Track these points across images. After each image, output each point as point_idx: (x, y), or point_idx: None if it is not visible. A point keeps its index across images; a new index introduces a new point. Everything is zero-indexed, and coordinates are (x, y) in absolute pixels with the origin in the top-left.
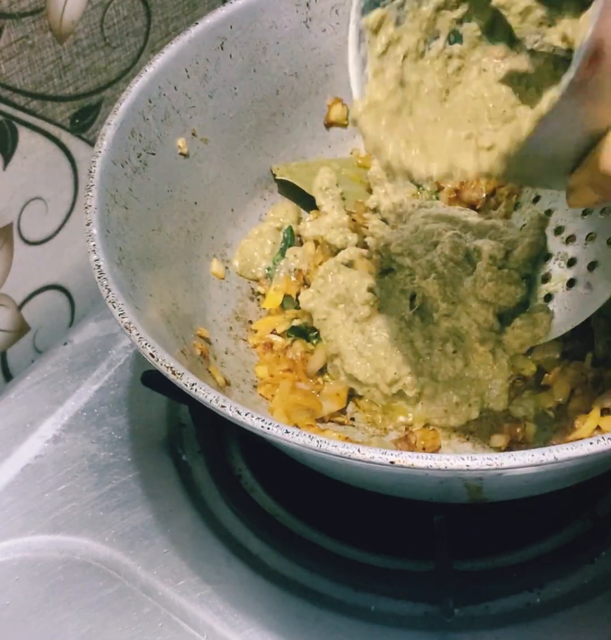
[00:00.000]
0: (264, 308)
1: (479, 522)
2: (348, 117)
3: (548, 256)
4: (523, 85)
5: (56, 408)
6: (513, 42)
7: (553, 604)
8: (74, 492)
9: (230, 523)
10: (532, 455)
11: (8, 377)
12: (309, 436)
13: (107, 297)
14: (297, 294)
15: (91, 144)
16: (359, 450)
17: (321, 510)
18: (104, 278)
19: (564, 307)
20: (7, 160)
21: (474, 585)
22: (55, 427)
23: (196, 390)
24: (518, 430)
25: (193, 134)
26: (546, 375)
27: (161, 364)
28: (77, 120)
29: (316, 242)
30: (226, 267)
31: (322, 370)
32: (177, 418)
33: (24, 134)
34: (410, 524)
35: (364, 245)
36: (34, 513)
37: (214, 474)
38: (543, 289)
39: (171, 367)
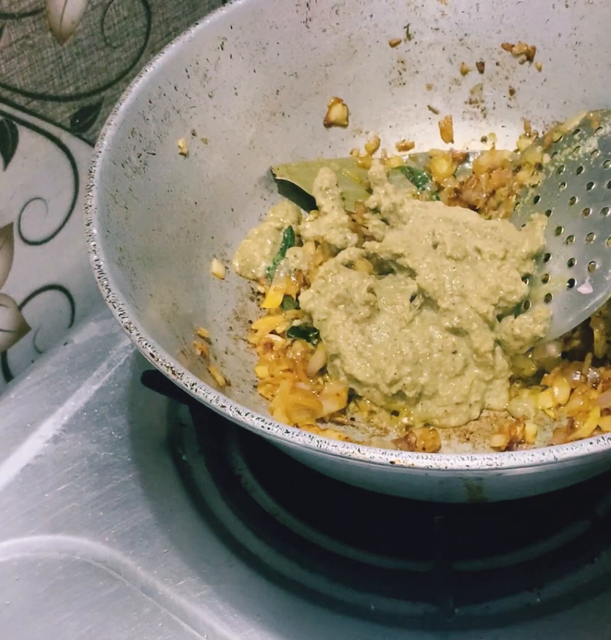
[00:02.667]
0: (264, 308)
1: (479, 522)
2: (347, 117)
3: (547, 256)
4: None
5: (56, 408)
6: None
7: (553, 604)
8: (74, 492)
9: (230, 523)
10: (532, 455)
11: (8, 376)
12: (309, 436)
13: (107, 297)
14: (298, 294)
15: (91, 144)
16: (359, 450)
17: (321, 510)
18: (104, 278)
19: (564, 308)
20: (7, 160)
21: (475, 585)
22: (55, 427)
23: (196, 390)
24: (518, 430)
25: (193, 134)
26: (546, 375)
27: (161, 364)
28: (77, 121)
29: (316, 242)
30: (226, 267)
31: (322, 370)
32: (177, 418)
33: (24, 134)
34: (410, 524)
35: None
36: (34, 513)
37: (214, 474)
38: (543, 289)
39: (171, 367)
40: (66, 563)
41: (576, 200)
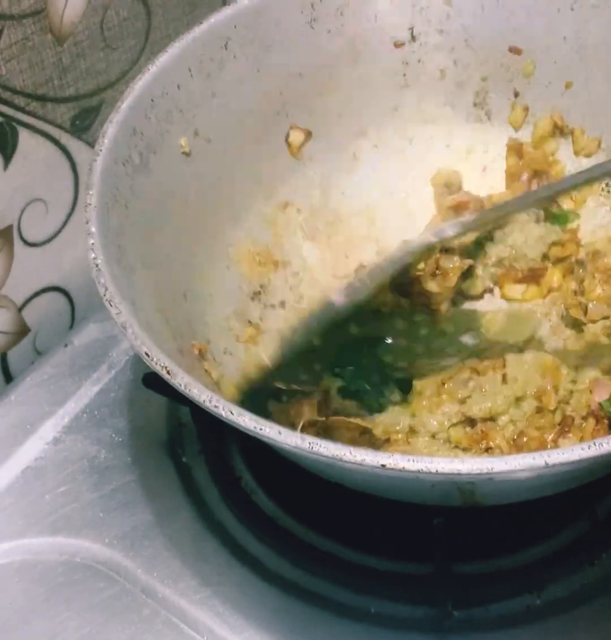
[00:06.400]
0: None
1: (478, 524)
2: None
3: None
4: None
5: (56, 410)
6: None
7: (553, 606)
8: (75, 494)
9: (230, 525)
10: (523, 460)
11: (8, 378)
12: (301, 437)
13: (104, 295)
14: None
15: (91, 145)
16: (350, 452)
17: (321, 513)
18: (102, 276)
19: None
20: (7, 162)
21: (474, 587)
22: (55, 428)
23: (189, 390)
24: None
25: (196, 133)
26: None
27: (156, 363)
28: (77, 122)
29: None
30: (227, 267)
31: None
32: (178, 419)
33: (24, 135)
34: (410, 527)
35: None
36: (34, 515)
37: (215, 476)
38: None
39: (165, 367)
40: (66, 565)
41: None
